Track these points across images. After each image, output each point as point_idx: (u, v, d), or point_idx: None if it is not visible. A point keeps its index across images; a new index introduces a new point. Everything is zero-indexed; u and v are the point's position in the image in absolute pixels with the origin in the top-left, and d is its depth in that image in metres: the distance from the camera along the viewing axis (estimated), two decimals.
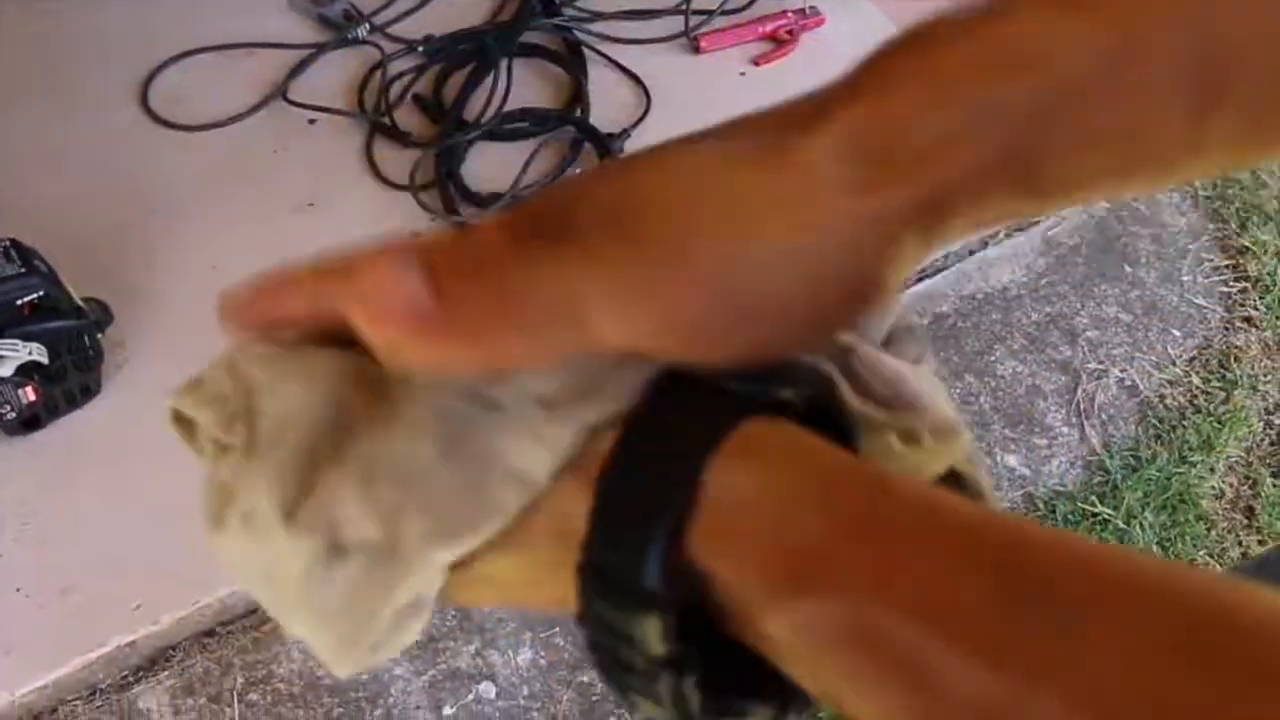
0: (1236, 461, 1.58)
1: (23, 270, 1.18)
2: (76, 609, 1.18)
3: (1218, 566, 1.44)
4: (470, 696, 1.24)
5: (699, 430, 0.26)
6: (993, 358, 1.58)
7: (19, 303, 1.18)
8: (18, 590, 1.18)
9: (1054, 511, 1.47)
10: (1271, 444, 1.60)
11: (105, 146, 1.54)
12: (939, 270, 1.65)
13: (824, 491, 0.25)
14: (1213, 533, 1.50)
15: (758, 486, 0.25)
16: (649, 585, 0.25)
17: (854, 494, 0.25)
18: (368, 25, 1.66)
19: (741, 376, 0.27)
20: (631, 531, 0.25)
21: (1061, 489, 1.50)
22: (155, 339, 1.34)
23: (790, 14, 1.73)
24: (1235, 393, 1.61)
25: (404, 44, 1.65)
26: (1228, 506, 1.54)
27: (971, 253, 1.66)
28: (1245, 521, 1.53)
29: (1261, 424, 1.61)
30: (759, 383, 0.27)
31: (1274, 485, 1.55)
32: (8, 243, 1.20)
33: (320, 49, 1.64)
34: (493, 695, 1.24)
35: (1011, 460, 1.50)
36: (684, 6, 1.72)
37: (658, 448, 0.26)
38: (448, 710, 1.23)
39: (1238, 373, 1.63)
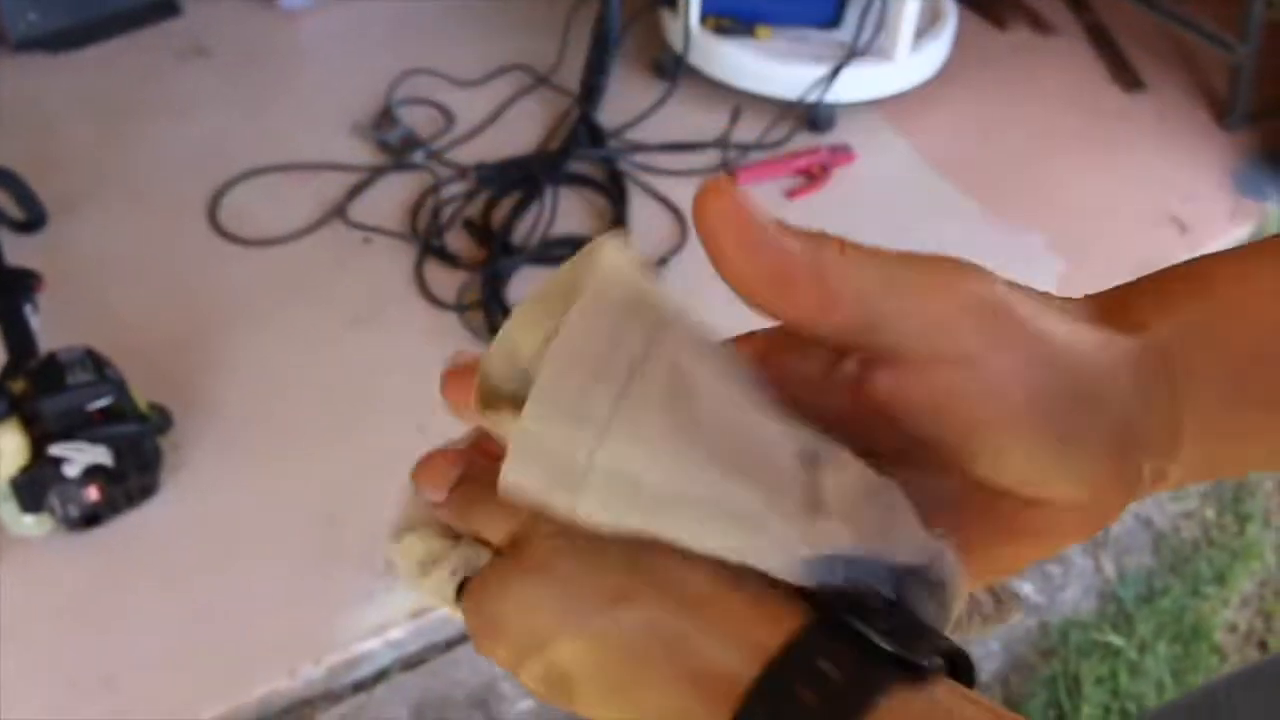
0: (1250, 595, 1.60)
1: (96, 378, 1.27)
2: (116, 700, 1.24)
3: None
4: None
5: (848, 695, 0.26)
6: None
7: (90, 408, 1.27)
8: (62, 677, 1.25)
9: (1066, 640, 1.50)
10: None
11: (175, 257, 1.65)
12: None
13: None
14: (1225, 666, 1.53)
15: None
16: None
17: None
18: (424, 152, 1.77)
19: (892, 627, 0.27)
20: None
21: (1075, 617, 1.53)
22: (212, 443, 1.43)
23: (823, 150, 1.83)
24: (1249, 527, 1.65)
25: (457, 170, 1.76)
26: (1240, 640, 1.57)
27: None
28: (1258, 655, 1.55)
29: (1275, 558, 1.64)
30: (905, 638, 0.27)
31: None
32: (84, 351, 1.30)
33: (378, 172, 1.75)
34: None
35: (1026, 588, 1.54)
36: (723, 140, 1.83)
37: (806, 696, 0.26)
38: None
39: (1252, 507, 1.66)
